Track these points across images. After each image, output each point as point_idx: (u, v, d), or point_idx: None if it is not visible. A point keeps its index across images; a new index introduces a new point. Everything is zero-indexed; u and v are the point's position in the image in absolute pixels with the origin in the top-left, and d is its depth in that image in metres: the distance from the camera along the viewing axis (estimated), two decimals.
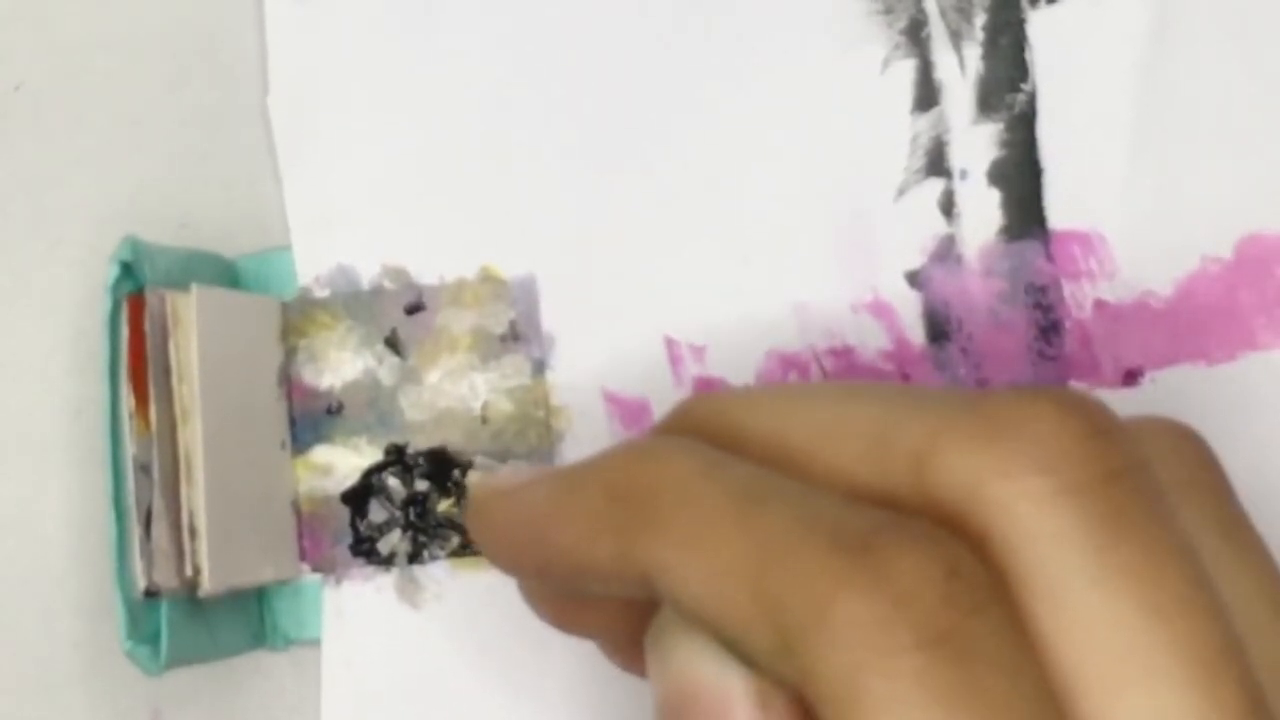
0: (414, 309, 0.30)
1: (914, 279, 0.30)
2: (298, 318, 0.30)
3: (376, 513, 0.30)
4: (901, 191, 0.30)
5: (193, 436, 0.28)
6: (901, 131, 0.30)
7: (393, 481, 0.30)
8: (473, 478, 0.24)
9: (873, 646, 0.17)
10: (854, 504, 0.18)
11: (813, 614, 0.17)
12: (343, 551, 0.30)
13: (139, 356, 0.27)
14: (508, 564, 0.22)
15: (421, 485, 0.30)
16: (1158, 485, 0.18)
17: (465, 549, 0.30)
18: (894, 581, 0.17)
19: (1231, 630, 0.18)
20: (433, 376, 0.30)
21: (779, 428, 0.20)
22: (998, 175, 0.29)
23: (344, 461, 0.30)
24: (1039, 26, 0.30)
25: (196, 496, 0.27)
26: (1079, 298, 0.29)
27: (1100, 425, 0.18)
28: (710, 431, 0.21)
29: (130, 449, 0.27)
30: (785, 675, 0.18)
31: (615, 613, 0.22)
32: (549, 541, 0.21)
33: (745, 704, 0.19)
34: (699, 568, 0.19)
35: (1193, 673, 0.17)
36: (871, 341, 0.29)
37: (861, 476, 0.19)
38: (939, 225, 0.30)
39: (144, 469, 0.27)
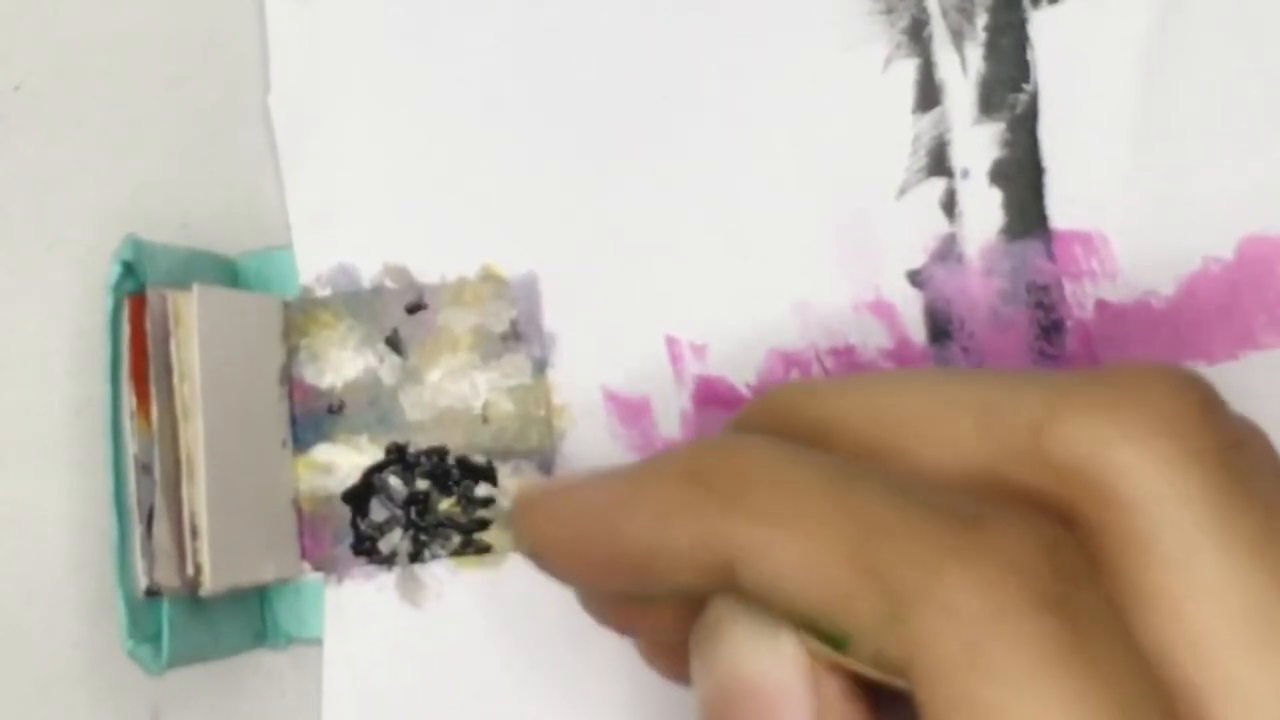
0: (415, 308, 0.30)
1: (915, 278, 0.30)
2: (299, 317, 0.30)
3: (377, 512, 0.30)
4: (903, 191, 0.30)
5: (194, 436, 0.28)
6: (903, 131, 0.30)
7: (394, 480, 0.30)
8: (513, 484, 0.24)
9: (989, 612, 0.17)
10: (948, 490, 0.19)
11: (923, 582, 0.17)
12: (344, 550, 0.30)
13: (140, 356, 0.27)
14: (565, 561, 0.22)
15: (422, 484, 0.30)
16: (1269, 459, 0.19)
17: (466, 548, 0.30)
18: (1004, 551, 0.17)
19: None
20: (434, 375, 0.30)
21: (877, 408, 0.20)
22: (999, 175, 0.30)
23: (345, 460, 0.30)
24: (1041, 26, 0.30)
25: (198, 496, 0.27)
26: (1080, 297, 0.29)
27: (1215, 399, 0.19)
28: (797, 418, 0.21)
29: (131, 448, 0.27)
30: (887, 648, 0.18)
31: (672, 616, 0.22)
32: (619, 530, 0.20)
33: (796, 693, 0.19)
34: (793, 545, 0.18)
35: None
36: (873, 341, 0.29)
37: (971, 449, 0.19)
38: (940, 225, 0.30)
39: (145, 468, 0.27)
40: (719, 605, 0.20)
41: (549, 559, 0.22)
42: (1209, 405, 0.19)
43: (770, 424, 0.21)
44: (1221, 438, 0.19)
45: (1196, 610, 0.18)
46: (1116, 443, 0.18)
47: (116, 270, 0.28)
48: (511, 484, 0.25)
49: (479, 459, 0.30)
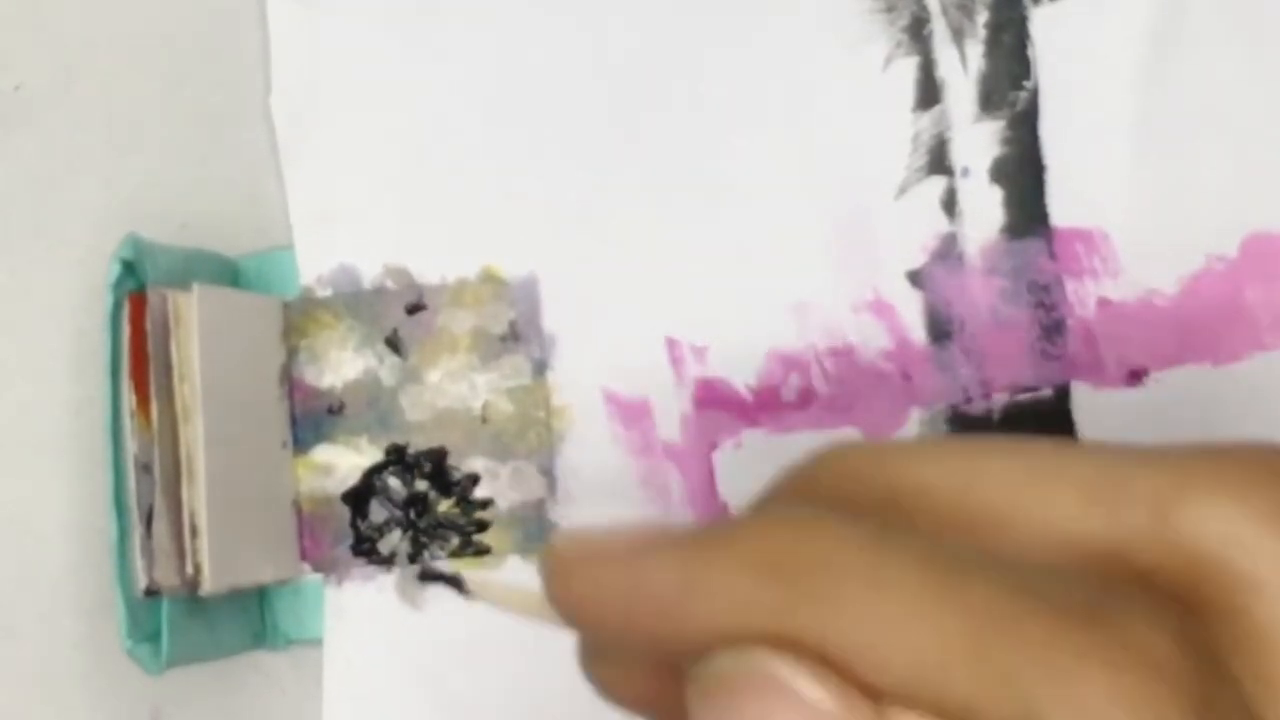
0: (415, 309, 0.30)
1: (915, 278, 0.29)
2: (299, 317, 0.30)
3: (377, 512, 0.30)
4: (903, 190, 0.29)
5: (194, 435, 0.28)
6: (903, 129, 0.29)
7: (393, 481, 0.30)
8: (556, 538, 0.20)
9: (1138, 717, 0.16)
10: (1060, 572, 0.17)
11: (1058, 688, 0.16)
12: (343, 551, 0.30)
13: (140, 355, 0.27)
14: (606, 632, 0.19)
15: (422, 485, 0.30)
16: None
17: (465, 549, 0.30)
18: (1139, 648, 0.16)
19: None
20: (433, 376, 0.30)
21: (969, 476, 0.18)
22: (1000, 173, 0.29)
23: (345, 461, 0.30)
24: (1041, 24, 0.29)
25: (197, 496, 0.27)
26: (1082, 296, 0.29)
27: None
28: (865, 487, 0.19)
29: (131, 448, 0.27)
30: None
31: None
32: (676, 617, 0.18)
33: None
34: (896, 648, 0.17)
35: None
36: (873, 341, 0.29)
37: (1080, 527, 0.18)
38: (941, 224, 0.29)
39: (145, 468, 0.27)
40: (726, 661, 0.17)
41: (588, 627, 0.19)
42: None
43: (831, 494, 0.19)
44: None
45: None
46: (1254, 527, 0.17)
47: (116, 269, 0.28)
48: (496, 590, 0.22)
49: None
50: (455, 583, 0.25)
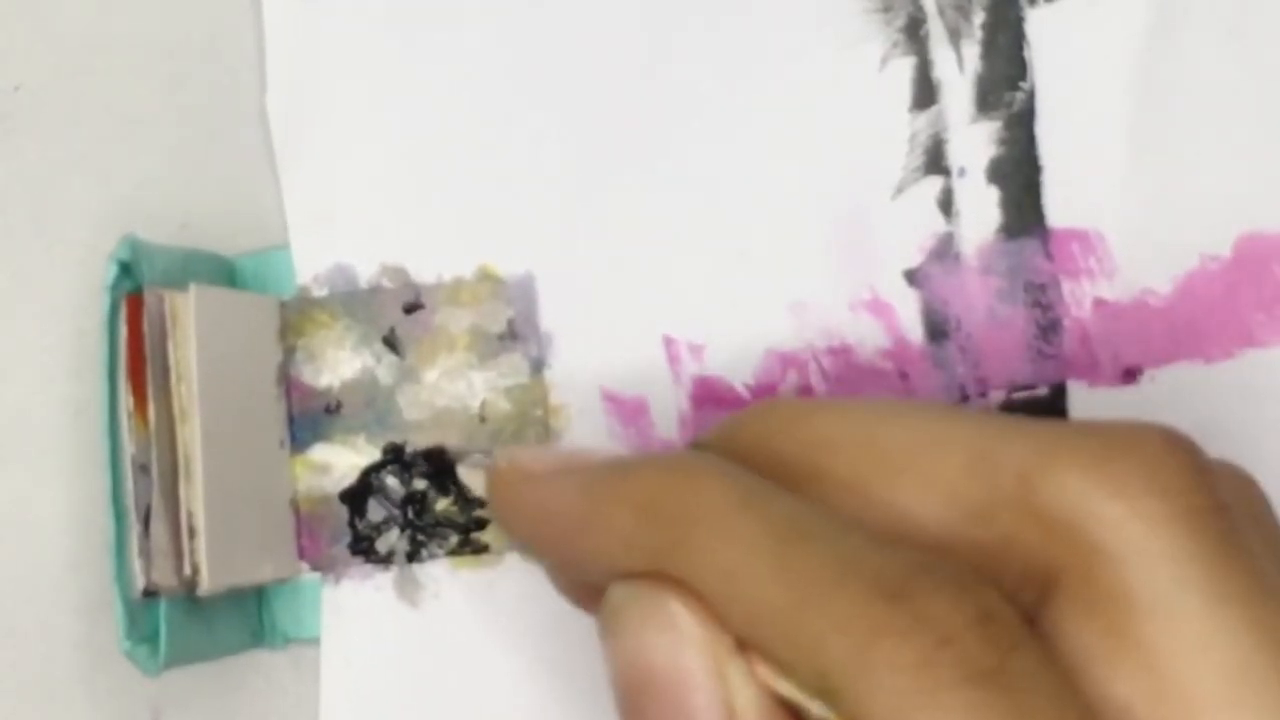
0: (412, 308, 0.30)
1: (912, 277, 0.29)
2: (296, 317, 0.30)
3: (375, 511, 0.30)
4: (900, 190, 0.30)
5: (191, 436, 0.28)
6: (900, 129, 0.30)
7: (391, 480, 0.30)
8: (462, 473, 0.24)
9: (920, 687, 0.17)
10: (890, 545, 0.19)
11: (854, 658, 0.18)
12: (341, 550, 0.30)
13: (137, 356, 0.27)
14: (529, 546, 0.22)
15: (420, 484, 0.30)
16: (1256, 517, 0.20)
17: (464, 547, 0.30)
18: (933, 625, 0.18)
19: None
20: (431, 375, 0.30)
21: (870, 439, 0.20)
22: (996, 173, 0.29)
23: (342, 460, 0.30)
24: (1038, 24, 0.29)
25: (195, 496, 0.27)
26: (1078, 296, 0.29)
27: (1202, 460, 0.19)
28: (790, 436, 0.21)
29: (129, 448, 0.27)
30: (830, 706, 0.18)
31: None
32: (574, 545, 0.21)
33: (706, 684, 0.19)
34: (734, 603, 0.19)
35: None
36: (870, 340, 0.29)
37: (958, 492, 0.20)
38: (937, 223, 0.29)
39: (143, 468, 0.27)
40: (621, 591, 0.20)
41: (516, 540, 0.23)
42: (1199, 467, 0.19)
43: (762, 437, 0.21)
44: (1210, 499, 0.19)
45: (1182, 665, 0.18)
46: (1105, 497, 0.19)
47: (113, 270, 0.28)
48: (461, 473, 0.25)
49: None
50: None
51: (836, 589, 0.18)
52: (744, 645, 0.19)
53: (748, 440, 0.22)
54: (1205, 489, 0.19)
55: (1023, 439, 0.19)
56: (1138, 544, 0.19)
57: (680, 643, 0.19)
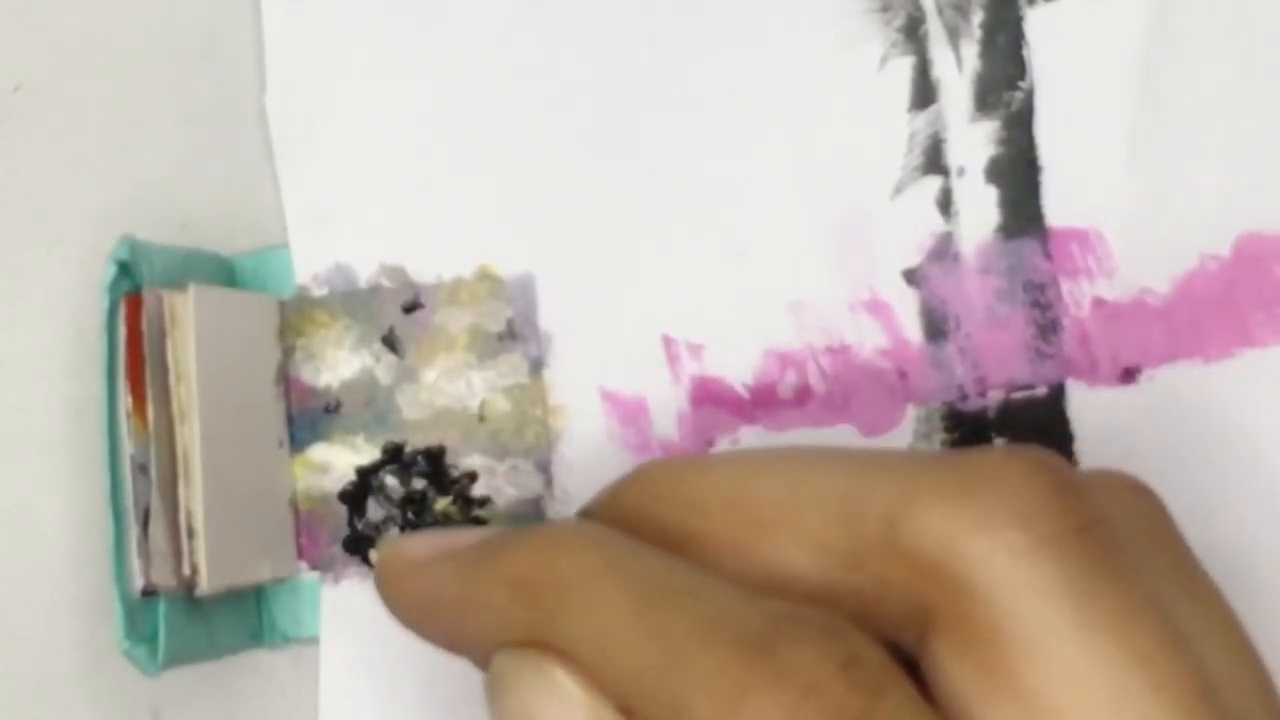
0: (411, 307, 0.30)
1: (911, 277, 0.29)
2: (295, 316, 0.30)
3: (374, 511, 0.30)
4: (899, 189, 0.30)
5: (190, 436, 0.28)
6: (899, 129, 0.30)
7: (390, 480, 0.30)
8: (382, 545, 0.25)
9: None
10: (755, 598, 0.19)
11: (722, 715, 0.18)
12: (340, 550, 0.30)
13: (136, 356, 0.27)
14: (417, 633, 0.23)
15: (419, 484, 0.30)
16: (1120, 538, 0.19)
17: None
18: (797, 676, 0.18)
19: (1205, 672, 0.18)
20: (430, 375, 0.30)
21: (741, 492, 0.21)
22: (995, 173, 0.29)
23: (341, 460, 0.30)
24: (1037, 24, 0.29)
25: (194, 496, 0.27)
26: (1077, 296, 0.29)
27: (1067, 481, 0.19)
28: (666, 501, 0.21)
29: (128, 448, 0.27)
30: None
31: None
32: (456, 626, 0.22)
33: None
34: (610, 668, 0.19)
35: (1178, 713, 0.18)
36: (869, 340, 0.29)
37: (831, 541, 0.20)
38: (936, 223, 0.29)
39: (142, 468, 0.27)
40: (504, 659, 0.21)
41: (407, 627, 0.24)
42: (1060, 489, 0.19)
43: (642, 502, 0.22)
44: (1072, 522, 0.19)
45: (1057, 698, 0.18)
46: (966, 534, 0.19)
47: (112, 270, 0.28)
48: (380, 544, 0.26)
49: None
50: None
51: (701, 647, 0.18)
52: (626, 710, 0.19)
53: (630, 506, 0.22)
54: (1069, 512, 0.19)
55: (886, 481, 0.19)
56: (1003, 578, 0.18)
57: (567, 707, 0.20)
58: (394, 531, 0.30)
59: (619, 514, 0.22)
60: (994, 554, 0.18)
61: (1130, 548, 0.19)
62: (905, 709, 0.18)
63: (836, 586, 0.20)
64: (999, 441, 0.29)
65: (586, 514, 0.23)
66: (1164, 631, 0.18)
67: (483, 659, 0.22)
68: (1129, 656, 0.18)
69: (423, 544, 0.23)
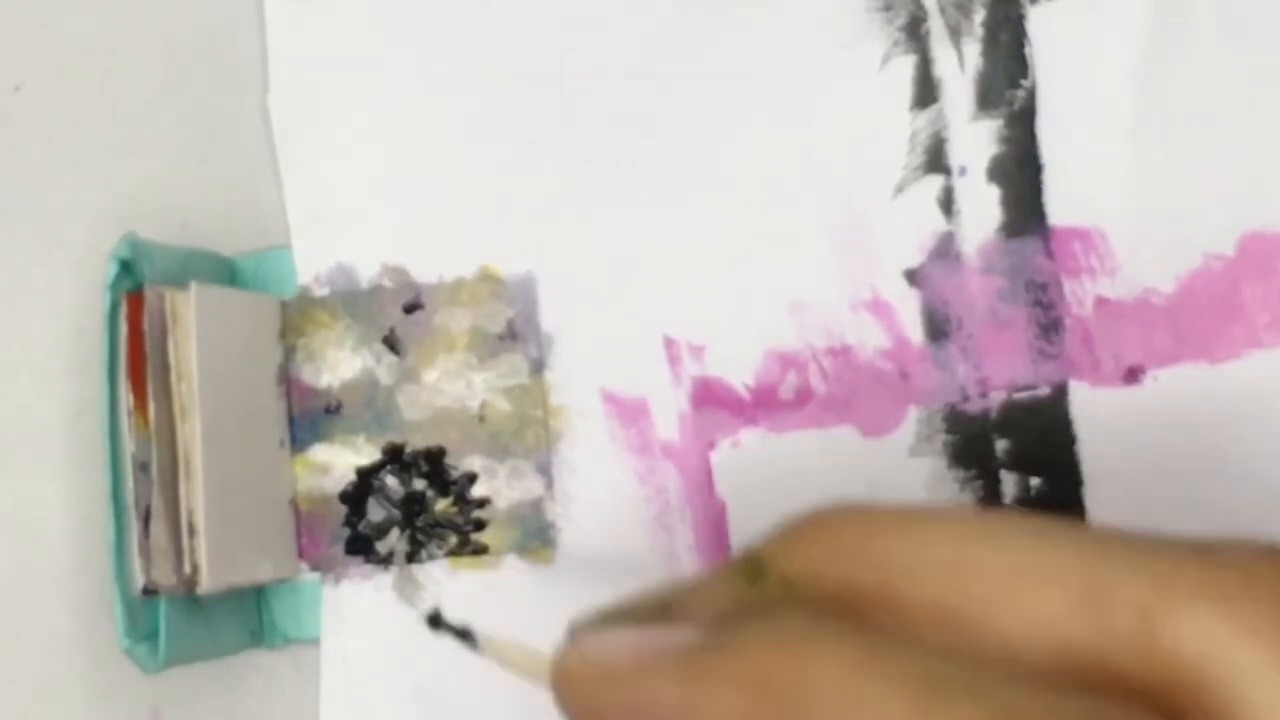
0: (412, 308, 0.30)
1: (913, 277, 0.29)
2: (297, 316, 0.30)
3: (375, 512, 0.30)
4: (900, 189, 0.29)
5: (191, 435, 0.28)
6: (901, 128, 0.29)
7: (391, 480, 0.30)
8: (562, 653, 0.20)
9: None
10: (1040, 692, 0.17)
11: None
12: (341, 550, 0.30)
13: (138, 355, 0.27)
14: None
15: (419, 484, 0.30)
16: None
17: (463, 548, 0.30)
18: None
19: None
20: (431, 375, 0.30)
21: (960, 565, 0.19)
22: (997, 172, 0.29)
23: (342, 460, 0.30)
24: (1039, 23, 0.29)
25: (195, 495, 0.27)
26: (1080, 295, 0.29)
27: None
28: (865, 565, 0.19)
29: (129, 447, 0.27)
30: None
31: None
32: None
33: None
34: None
35: None
36: (870, 340, 0.29)
37: (1066, 629, 0.18)
38: (938, 222, 0.29)
39: (143, 467, 0.27)
40: None
41: None
42: None
43: (827, 555, 0.19)
44: None
45: None
46: (1238, 640, 0.17)
47: (113, 268, 0.28)
48: (528, 662, 0.22)
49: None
50: (466, 636, 0.24)
51: None
52: None
53: (815, 559, 0.19)
54: None
55: (1137, 570, 0.18)
56: (1273, 691, 0.17)
57: None
58: (394, 532, 0.30)
59: (802, 566, 0.19)
60: (1268, 667, 0.17)
61: None
62: None
63: (1068, 677, 0.18)
64: (1001, 444, 0.29)
65: (755, 560, 0.20)
66: None
67: None
68: None
69: (615, 645, 0.19)
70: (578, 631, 0.20)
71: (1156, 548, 0.18)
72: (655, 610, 0.20)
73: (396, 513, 0.30)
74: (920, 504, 0.23)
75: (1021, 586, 0.18)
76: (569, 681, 0.20)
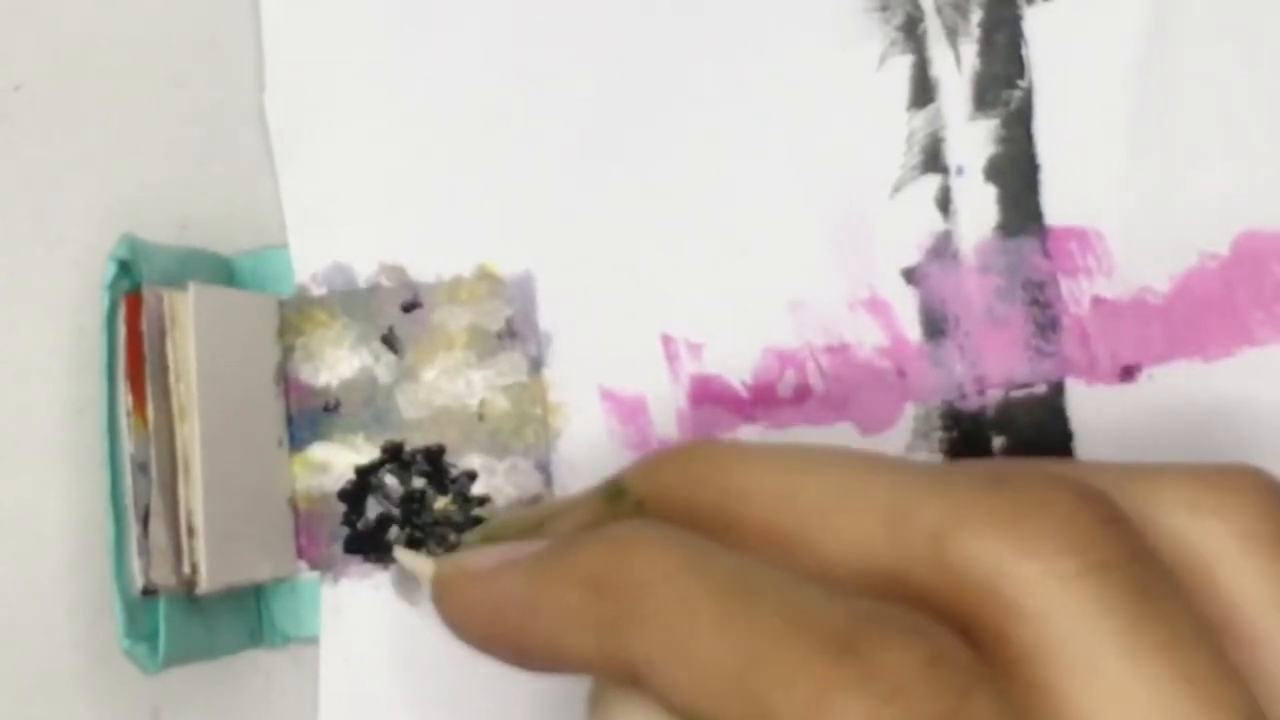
0: (411, 306, 0.30)
1: (910, 276, 0.29)
2: (295, 315, 0.30)
3: (374, 510, 0.30)
4: (898, 188, 0.30)
5: (190, 435, 0.28)
6: (898, 128, 0.30)
7: (390, 479, 0.30)
8: (400, 555, 0.25)
9: None
10: (837, 594, 0.19)
11: (804, 717, 0.18)
12: (340, 549, 0.30)
13: (136, 355, 0.28)
14: (480, 647, 0.23)
15: (418, 483, 0.30)
16: (1168, 568, 0.19)
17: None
18: (881, 678, 0.18)
19: (1255, 699, 0.19)
20: (429, 374, 0.30)
21: (785, 492, 0.21)
22: (994, 171, 0.29)
23: (341, 459, 0.30)
24: (1035, 22, 0.29)
25: (194, 495, 0.27)
26: (1076, 294, 0.29)
27: (1115, 512, 0.19)
28: (706, 484, 0.21)
29: (128, 447, 0.27)
30: None
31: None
32: (526, 632, 0.21)
33: None
34: (684, 668, 0.19)
35: None
36: (868, 338, 0.29)
37: (875, 548, 0.20)
38: (935, 222, 0.30)
39: (142, 467, 0.27)
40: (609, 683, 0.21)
41: (467, 643, 0.23)
42: (1110, 519, 0.19)
43: (681, 482, 0.22)
44: (1122, 551, 0.19)
45: (1106, 718, 0.18)
46: (1015, 559, 0.19)
47: (112, 269, 0.28)
48: (398, 555, 0.26)
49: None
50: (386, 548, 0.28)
51: (783, 645, 0.18)
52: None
53: (667, 483, 0.22)
54: (1118, 540, 0.19)
55: (934, 497, 0.20)
56: (1054, 601, 0.19)
57: None
58: (393, 531, 0.30)
59: (655, 489, 0.22)
60: (1045, 578, 0.19)
61: (1226, 558, 0.20)
62: (992, 710, 0.18)
63: (874, 590, 0.20)
64: (998, 441, 0.29)
65: (616, 483, 0.23)
66: (1214, 656, 0.19)
67: (551, 664, 0.21)
68: (1178, 679, 0.18)
69: (484, 555, 0.23)
70: (462, 546, 0.24)
71: (956, 477, 0.20)
72: (529, 527, 0.24)
73: (396, 511, 0.30)
74: (766, 442, 0.25)
75: (838, 510, 0.20)
76: (444, 584, 0.23)
